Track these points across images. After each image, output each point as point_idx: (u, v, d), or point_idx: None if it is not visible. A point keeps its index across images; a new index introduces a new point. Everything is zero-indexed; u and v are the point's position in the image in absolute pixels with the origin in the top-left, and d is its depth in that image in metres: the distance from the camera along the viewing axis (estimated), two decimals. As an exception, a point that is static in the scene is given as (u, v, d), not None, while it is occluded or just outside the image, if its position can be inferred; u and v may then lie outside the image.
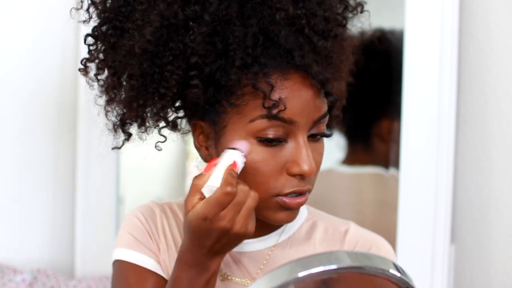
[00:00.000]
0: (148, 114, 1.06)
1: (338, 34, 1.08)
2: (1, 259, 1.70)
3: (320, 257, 0.82)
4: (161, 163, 2.17)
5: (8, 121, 1.73)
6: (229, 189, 0.95)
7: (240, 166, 0.99)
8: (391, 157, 1.77)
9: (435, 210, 1.51)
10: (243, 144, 1.00)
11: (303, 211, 1.14)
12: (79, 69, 1.10)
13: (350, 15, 1.14)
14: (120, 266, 1.11)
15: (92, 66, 1.09)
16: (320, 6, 1.06)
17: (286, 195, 1.02)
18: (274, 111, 0.99)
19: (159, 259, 1.10)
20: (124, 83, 1.05)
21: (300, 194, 1.03)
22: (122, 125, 1.09)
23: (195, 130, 1.07)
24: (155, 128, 1.09)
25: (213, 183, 0.97)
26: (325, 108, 1.04)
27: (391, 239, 1.52)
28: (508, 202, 1.51)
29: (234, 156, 0.99)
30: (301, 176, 1.01)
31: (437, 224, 1.51)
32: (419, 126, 1.52)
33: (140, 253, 1.10)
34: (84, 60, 1.09)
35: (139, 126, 1.08)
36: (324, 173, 1.77)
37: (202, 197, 0.98)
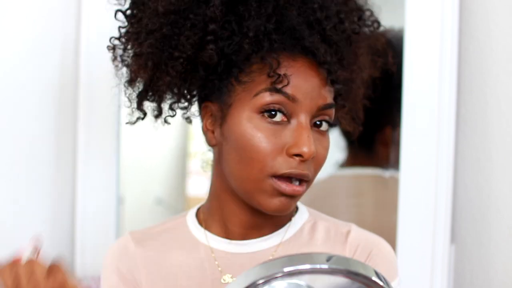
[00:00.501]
0: (161, 88, 1.08)
1: (351, 37, 1.10)
2: (1, 259, 1.70)
3: (299, 258, 0.83)
4: (161, 163, 2.17)
5: (8, 121, 1.73)
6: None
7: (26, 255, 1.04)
8: (390, 159, 1.77)
9: (435, 210, 1.51)
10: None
11: (304, 212, 1.15)
12: (107, 46, 1.14)
13: (366, 29, 1.16)
14: None
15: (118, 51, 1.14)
16: (336, 6, 1.09)
17: (282, 176, 1.02)
18: (278, 85, 1.01)
19: None
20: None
21: (297, 180, 1.03)
22: (139, 102, 1.12)
23: (205, 113, 1.09)
24: (168, 102, 1.11)
25: None
26: (331, 98, 1.05)
27: (391, 239, 1.52)
28: (508, 202, 1.51)
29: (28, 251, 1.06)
30: (301, 158, 1.01)
31: (437, 224, 1.51)
32: (419, 126, 1.52)
33: None
34: (112, 38, 1.13)
35: (154, 101, 1.11)
36: (326, 179, 1.77)
37: None
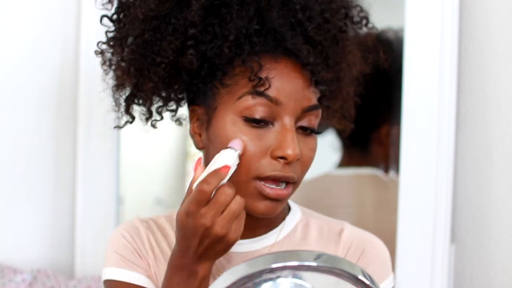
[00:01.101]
0: (147, 92, 1.09)
1: (337, 36, 1.09)
2: (1, 259, 1.70)
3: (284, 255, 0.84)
4: (161, 163, 2.17)
5: (8, 121, 1.73)
6: (204, 187, 0.96)
7: (233, 168, 0.99)
8: (389, 160, 1.77)
9: (435, 210, 1.51)
10: (237, 143, 1.01)
11: (297, 211, 1.15)
12: (95, 51, 1.14)
13: (354, 26, 1.16)
14: (111, 285, 1.11)
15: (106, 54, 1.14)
16: (320, 6, 1.08)
17: (267, 178, 1.01)
18: (260, 88, 1.01)
19: (150, 274, 1.11)
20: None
21: (282, 182, 1.02)
22: (127, 107, 1.12)
23: (192, 116, 1.09)
24: (154, 107, 1.11)
25: (198, 181, 0.98)
26: (315, 99, 1.05)
27: (391, 239, 1.52)
28: (508, 202, 1.51)
29: (227, 157, 0.99)
30: (285, 161, 1.01)
31: (437, 224, 1.51)
32: (419, 127, 1.52)
33: (130, 271, 1.10)
34: (100, 43, 1.13)
35: (141, 105, 1.11)
36: (320, 178, 1.77)
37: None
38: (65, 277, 1.66)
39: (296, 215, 1.14)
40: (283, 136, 1.01)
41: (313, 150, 1.06)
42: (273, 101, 1.01)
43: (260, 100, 1.01)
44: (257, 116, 1.01)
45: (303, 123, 1.04)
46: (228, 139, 1.02)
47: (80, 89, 1.71)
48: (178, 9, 1.05)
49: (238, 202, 0.97)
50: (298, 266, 0.83)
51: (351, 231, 1.13)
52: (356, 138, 1.58)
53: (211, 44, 1.04)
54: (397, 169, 1.59)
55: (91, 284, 1.63)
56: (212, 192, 0.96)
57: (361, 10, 1.18)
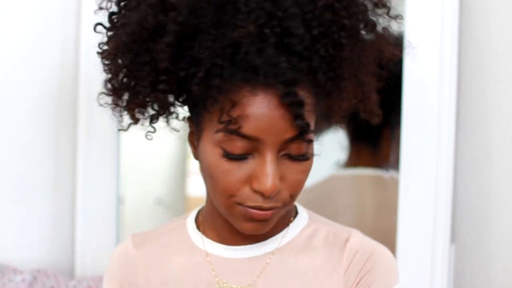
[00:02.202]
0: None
1: (327, 52, 0.99)
2: (1, 259, 1.70)
3: None
4: (161, 163, 2.17)
5: (8, 121, 1.73)
6: None
7: None
8: (390, 159, 1.76)
9: (435, 210, 1.51)
10: None
11: (303, 216, 1.12)
12: (97, 52, 1.09)
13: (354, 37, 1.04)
14: None
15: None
16: (304, 17, 0.98)
17: (249, 207, 0.99)
18: (233, 127, 0.95)
19: None
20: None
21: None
22: (130, 113, 1.07)
23: (189, 126, 1.07)
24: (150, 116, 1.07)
25: None
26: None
27: (391, 240, 1.52)
28: (508, 202, 1.51)
29: None
30: (263, 195, 0.97)
31: (437, 224, 1.51)
32: (419, 126, 1.52)
33: None
34: (101, 44, 1.09)
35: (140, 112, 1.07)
36: (326, 180, 1.76)
37: None
38: (65, 277, 1.66)
39: (302, 220, 1.11)
40: (263, 169, 0.96)
41: (304, 172, 1.00)
42: (251, 139, 0.96)
43: (235, 137, 0.96)
44: (235, 152, 0.97)
45: (291, 151, 0.98)
46: (209, 166, 0.99)
47: (80, 89, 1.71)
48: (151, 40, 1.00)
49: None
50: None
51: (358, 239, 1.09)
52: (366, 135, 1.57)
53: (187, 71, 0.98)
54: (396, 168, 1.58)
55: (91, 284, 1.63)
56: None
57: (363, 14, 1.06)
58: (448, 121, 1.51)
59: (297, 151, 0.98)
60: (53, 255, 1.76)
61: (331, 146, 1.66)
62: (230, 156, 0.97)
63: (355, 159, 1.80)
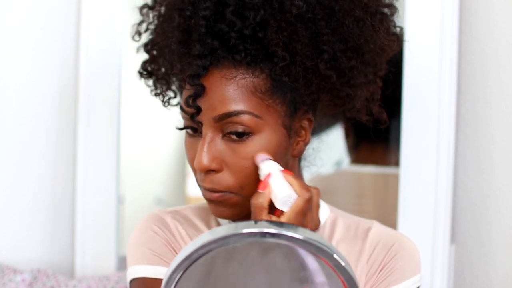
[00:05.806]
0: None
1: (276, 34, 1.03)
2: (1, 259, 1.70)
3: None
4: (161, 163, 2.17)
5: (8, 121, 1.73)
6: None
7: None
8: (392, 157, 1.76)
9: (435, 210, 1.51)
10: (264, 155, 1.01)
11: (325, 208, 1.14)
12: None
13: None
14: (143, 284, 1.05)
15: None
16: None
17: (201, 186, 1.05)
18: (182, 103, 1.03)
19: None
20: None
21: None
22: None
23: None
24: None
25: (283, 194, 0.95)
26: (234, 106, 1.00)
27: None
28: (508, 202, 1.51)
29: (272, 165, 0.98)
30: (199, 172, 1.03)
31: (437, 224, 1.51)
32: (419, 126, 1.52)
33: (164, 267, 1.05)
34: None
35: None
36: (326, 177, 1.76)
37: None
38: (65, 277, 1.66)
39: (324, 212, 1.13)
40: (199, 147, 1.02)
41: (245, 157, 1.01)
42: (186, 113, 1.02)
43: (181, 112, 1.04)
44: (185, 124, 1.04)
45: (230, 129, 1.01)
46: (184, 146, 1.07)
47: (80, 89, 1.71)
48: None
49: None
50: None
51: (379, 229, 1.12)
52: (368, 133, 1.57)
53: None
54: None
55: (91, 284, 1.63)
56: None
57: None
58: (448, 121, 1.51)
59: (235, 129, 1.00)
60: (53, 255, 1.76)
61: (332, 144, 1.65)
62: (186, 130, 1.04)
63: (365, 155, 1.79)
